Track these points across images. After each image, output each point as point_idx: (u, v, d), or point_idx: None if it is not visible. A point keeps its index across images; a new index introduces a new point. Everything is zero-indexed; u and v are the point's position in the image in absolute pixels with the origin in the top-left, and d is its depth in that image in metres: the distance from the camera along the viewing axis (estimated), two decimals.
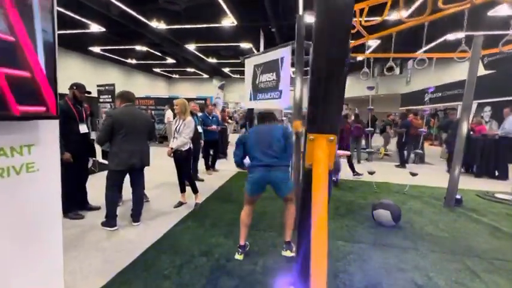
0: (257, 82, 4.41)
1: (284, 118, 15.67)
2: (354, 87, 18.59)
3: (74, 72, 14.64)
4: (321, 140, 0.97)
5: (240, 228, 2.58)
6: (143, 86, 22.13)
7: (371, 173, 4.89)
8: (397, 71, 18.31)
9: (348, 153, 5.59)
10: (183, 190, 3.93)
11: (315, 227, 0.97)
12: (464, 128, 4.25)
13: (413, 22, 3.56)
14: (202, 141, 5.18)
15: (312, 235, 0.98)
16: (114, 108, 4.12)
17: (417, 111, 8.48)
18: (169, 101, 11.55)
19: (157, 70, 22.82)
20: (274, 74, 3.98)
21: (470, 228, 3.41)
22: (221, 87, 11.70)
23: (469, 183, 5.62)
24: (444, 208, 4.13)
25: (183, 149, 3.59)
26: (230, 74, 23.94)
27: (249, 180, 2.52)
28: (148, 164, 3.24)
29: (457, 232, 3.25)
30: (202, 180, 5.19)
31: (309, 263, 1.17)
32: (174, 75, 25.86)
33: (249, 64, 4.62)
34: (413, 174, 4.69)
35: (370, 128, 4.92)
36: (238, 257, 2.49)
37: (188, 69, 21.32)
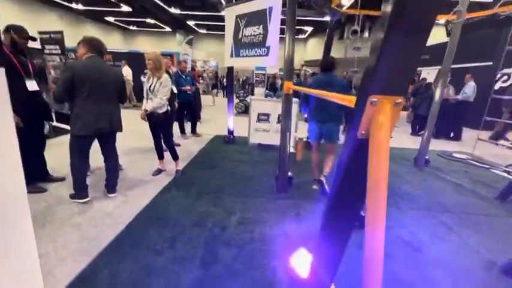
0: (240, 36, 3.94)
1: (256, 79, 15.14)
2: (337, 48, 18.36)
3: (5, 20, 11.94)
4: (386, 103, 0.79)
5: (314, 169, 3.34)
6: None
7: None
8: (366, 34, 18.37)
9: None
10: (161, 157, 3.60)
11: (373, 212, 0.83)
12: (439, 92, 4.43)
13: None
14: (176, 103, 4.70)
15: (368, 219, 0.84)
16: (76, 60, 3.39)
17: None
18: (130, 56, 10.24)
19: (111, 19, 19.78)
20: (261, 27, 3.56)
21: (439, 186, 3.73)
22: (189, 43, 10.52)
23: (430, 144, 6.11)
24: (414, 168, 4.46)
25: (160, 112, 3.17)
26: (196, 29, 21.83)
27: (309, 129, 3.31)
28: (120, 130, 2.80)
29: (429, 190, 3.54)
30: (179, 145, 4.84)
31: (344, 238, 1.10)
32: (131, 27, 22.79)
33: (230, 14, 4.07)
34: None
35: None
36: (315, 186, 3.27)
37: (148, 21, 18.85)
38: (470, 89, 7.06)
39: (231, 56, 4.17)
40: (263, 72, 15.53)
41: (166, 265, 1.88)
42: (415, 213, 2.88)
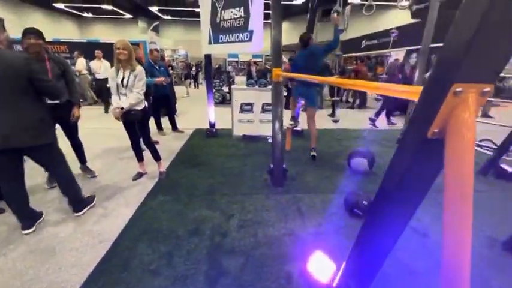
0: (218, 20, 3.59)
1: (229, 67, 14.64)
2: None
3: None
4: (472, 92, 0.61)
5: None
6: (43, 27, 17.10)
7: (335, 121, 4.94)
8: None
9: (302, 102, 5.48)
10: (140, 158, 3.24)
11: (456, 225, 0.67)
12: (420, 71, 4.50)
13: None
14: (151, 97, 4.26)
15: (450, 234, 0.68)
16: None
17: (363, 58, 8.79)
18: (87, 47, 9.21)
19: (61, 6, 17.68)
20: (242, 9, 3.25)
21: None
22: (155, 30, 9.75)
23: (400, 122, 6.33)
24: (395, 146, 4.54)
25: (139, 108, 2.79)
26: (160, 15, 20.35)
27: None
28: (41, 142, 2.08)
29: None
30: (157, 143, 4.45)
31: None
32: (85, 14, 20.63)
33: None
34: (335, 121, 4.84)
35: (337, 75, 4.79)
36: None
37: (104, 7, 17.14)
38: None
39: (209, 42, 3.81)
40: (236, 59, 15.04)
41: None
42: None
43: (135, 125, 2.93)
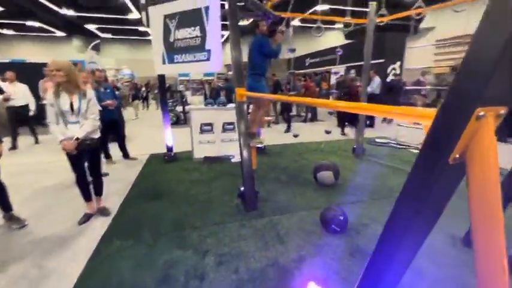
0: (172, 40, 3.41)
1: (181, 86, 14.23)
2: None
3: None
4: (491, 116, 0.59)
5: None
6: None
7: (295, 136, 5.06)
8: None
9: (270, 118, 5.56)
10: (88, 196, 2.75)
11: (487, 252, 0.62)
12: (364, 85, 4.95)
13: None
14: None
15: (481, 261, 0.63)
16: None
17: (311, 75, 9.42)
18: (12, 68, 7.90)
19: None
20: (198, 28, 3.14)
21: (382, 172, 4.11)
22: (95, 48, 8.95)
23: (351, 133, 6.88)
24: (356, 158, 4.84)
25: (95, 137, 2.40)
26: (98, 33, 18.98)
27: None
28: None
29: (377, 178, 3.84)
30: (107, 175, 3.90)
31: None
32: (5, 31, 18.05)
33: (156, 14, 3.47)
34: (295, 136, 5.04)
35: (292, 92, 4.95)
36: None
37: (30, 23, 15.28)
38: (375, 83, 8.29)
39: (163, 62, 3.57)
40: (187, 78, 14.71)
41: None
42: (377, 204, 3.02)
43: (85, 155, 2.50)
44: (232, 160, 4.65)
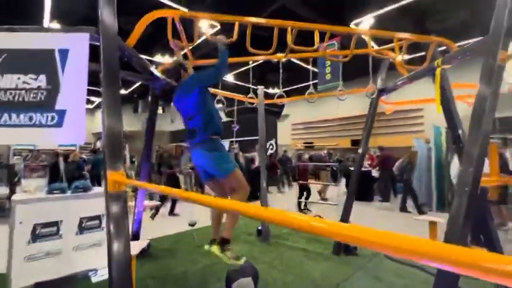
0: None
1: (15, 158, 10.33)
2: (132, 121, 17.58)
3: None
4: None
5: None
6: None
7: (192, 224, 3.99)
8: (160, 110, 19.57)
9: (155, 203, 4.30)
10: None
11: None
12: (260, 159, 4.85)
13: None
14: None
15: None
16: None
17: None
18: None
19: None
20: (43, 77, 1.98)
21: (290, 256, 3.64)
22: None
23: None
24: (263, 243, 4.22)
25: None
26: None
27: None
28: None
29: (293, 268, 3.29)
30: None
31: None
32: None
33: None
34: (192, 224, 4.02)
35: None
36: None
37: None
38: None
39: None
40: (30, 147, 10.93)
41: None
42: None
43: None
44: (94, 278, 2.93)
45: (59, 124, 2.02)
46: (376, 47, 3.11)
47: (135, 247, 2.63)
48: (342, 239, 0.75)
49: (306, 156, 7.83)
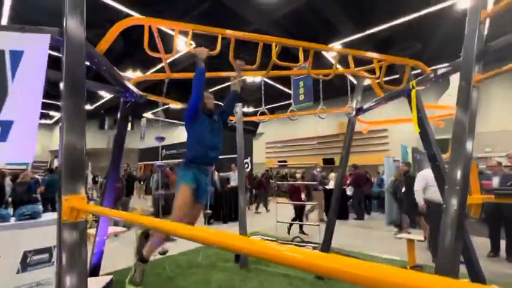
0: None
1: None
2: (98, 138, 16.44)
3: None
4: None
5: None
6: None
7: (163, 253, 3.57)
8: (128, 127, 18.66)
9: (123, 229, 3.81)
10: None
11: None
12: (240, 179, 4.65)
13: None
14: None
15: None
16: None
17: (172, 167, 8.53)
18: None
19: None
20: None
21: (271, 283, 3.38)
22: None
23: None
24: (242, 270, 3.90)
25: None
26: None
27: None
28: None
29: None
30: None
31: None
32: None
33: None
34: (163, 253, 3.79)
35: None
36: None
37: None
38: (235, 176, 8.54)
39: None
40: None
41: None
42: None
43: None
44: None
45: (2, 138, 1.67)
46: (355, 68, 3.20)
47: (94, 285, 2.21)
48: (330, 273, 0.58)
49: (298, 175, 7.33)
